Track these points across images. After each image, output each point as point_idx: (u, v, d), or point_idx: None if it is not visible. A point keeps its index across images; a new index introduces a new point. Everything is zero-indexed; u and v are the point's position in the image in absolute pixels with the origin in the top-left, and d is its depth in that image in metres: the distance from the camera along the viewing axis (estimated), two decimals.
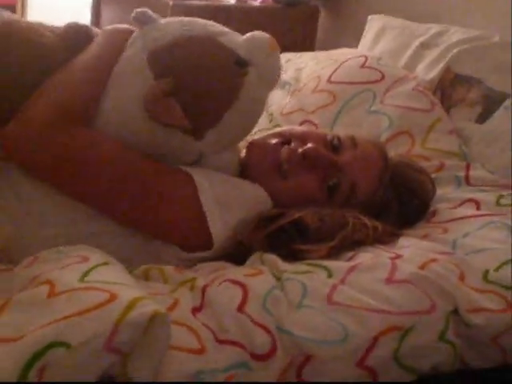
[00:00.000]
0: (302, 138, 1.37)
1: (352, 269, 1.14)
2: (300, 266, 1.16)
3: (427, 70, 2.00)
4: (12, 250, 1.21)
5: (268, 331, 1.00)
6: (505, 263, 1.18)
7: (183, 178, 1.24)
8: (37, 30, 1.28)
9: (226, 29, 1.33)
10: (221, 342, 0.99)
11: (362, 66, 1.96)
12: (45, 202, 1.23)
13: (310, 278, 1.12)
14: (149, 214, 1.23)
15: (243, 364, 0.97)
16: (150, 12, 1.30)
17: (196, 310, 1.05)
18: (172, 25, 1.29)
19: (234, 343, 0.98)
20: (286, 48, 2.08)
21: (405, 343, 1.03)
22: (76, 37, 1.32)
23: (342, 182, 1.34)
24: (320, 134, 1.43)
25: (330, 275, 1.13)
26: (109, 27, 1.36)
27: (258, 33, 1.31)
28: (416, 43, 2.14)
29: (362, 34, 2.51)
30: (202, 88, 1.24)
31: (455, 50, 1.95)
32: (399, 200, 1.40)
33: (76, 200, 1.22)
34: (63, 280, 0.97)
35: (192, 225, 1.23)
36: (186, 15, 1.34)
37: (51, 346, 0.85)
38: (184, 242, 1.24)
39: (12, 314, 0.94)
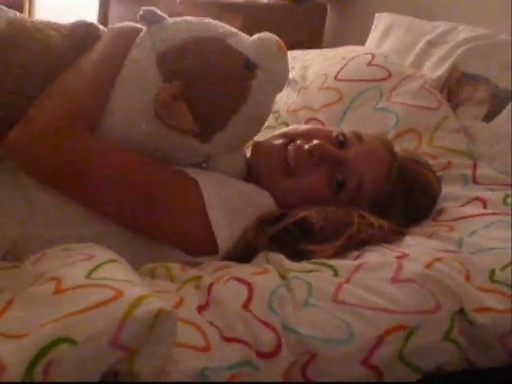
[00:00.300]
0: (308, 136, 1.37)
1: (358, 268, 1.14)
2: (306, 265, 1.17)
3: (434, 68, 2.00)
4: (19, 251, 1.21)
5: (273, 329, 1.00)
6: (511, 262, 1.17)
7: (189, 185, 1.24)
8: (42, 29, 1.27)
9: (234, 29, 1.32)
10: (226, 339, 0.99)
11: (369, 64, 1.96)
12: (52, 203, 1.23)
13: (315, 276, 1.12)
14: (154, 223, 1.23)
15: (248, 362, 0.97)
16: (157, 11, 1.29)
17: (202, 308, 1.05)
18: (181, 25, 1.28)
19: (239, 341, 0.98)
20: (293, 45, 2.08)
21: (410, 342, 1.03)
22: (82, 36, 1.31)
23: (349, 177, 1.34)
24: (325, 130, 1.43)
25: (335, 274, 1.13)
26: (115, 26, 1.34)
27: (266, 35, 1.31)
28: (423, 41, 2.13)
29: (369, 32, 2.51)
30: (211, 92, 1.24)
31: (462, 49, 1.95)
32: (406, 195, 1.39)
33: (80, 205, 1.22)
34: (70, 277, 0.97)
35: (197, 233, 1.23)
36: (194, 11, 1.33)
37: (57, 342, 0.85)
38: (190, 248, 1.24)
39: (19, 310, 0.94)
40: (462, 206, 1.47)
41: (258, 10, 3.07)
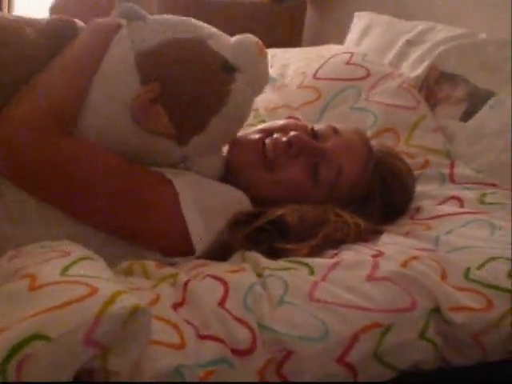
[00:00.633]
0: (284, 129, 1.38)
1: (333, 266, 1.14)
2: (282, 263, 1.16)
3: (413, 68, 2.01)
4: None
5: (249, 327, 1.00)
6: (486, 261, 1.18)
7: (165, 187, 1.23)
8: (17, 27, 1.25)
9: (214, 30, 1.32)
10: (202, 337, 0.99)
11: (348, 63, 1.96)
12: (27, 202, 1.21)
13: (291, 274, 1.12)
14: (130, 225, 1.22)
15: (223, 359, 0.96)
16: (137, 7, 1.28)
17: (177, 306, 1.05)
18: (161, 25, 1.28)
19: (214, 338, 0.98)
20: (272, 43, 2.09)
21: (385, 340, 1.03)
22: (60, 33, 1.29)
23: (328, 168, 1.35)
24: (302, 124, 1.44)
25: (311, 272, 1.13)
26: (94, 22, 1.32)
27: (246, 37, 1.30)
28: (402, 40, 2.15)
29: (348, 31, 2.51)
30: (189, 95, 1.23)
31: (441, 48, 1.96)
32: (383, 187, 1.40)
33: (55, 207, 1.21)
34: (44, 273, 0.96)
35: (173, 235, 1.23)
36: (173, 9, 1.33)
37: (31, 338, 0.84)
38: (166, 249, 1.23)
39: None
40: (439, 204, 1.48)
41: (238, 8, 3.07)
